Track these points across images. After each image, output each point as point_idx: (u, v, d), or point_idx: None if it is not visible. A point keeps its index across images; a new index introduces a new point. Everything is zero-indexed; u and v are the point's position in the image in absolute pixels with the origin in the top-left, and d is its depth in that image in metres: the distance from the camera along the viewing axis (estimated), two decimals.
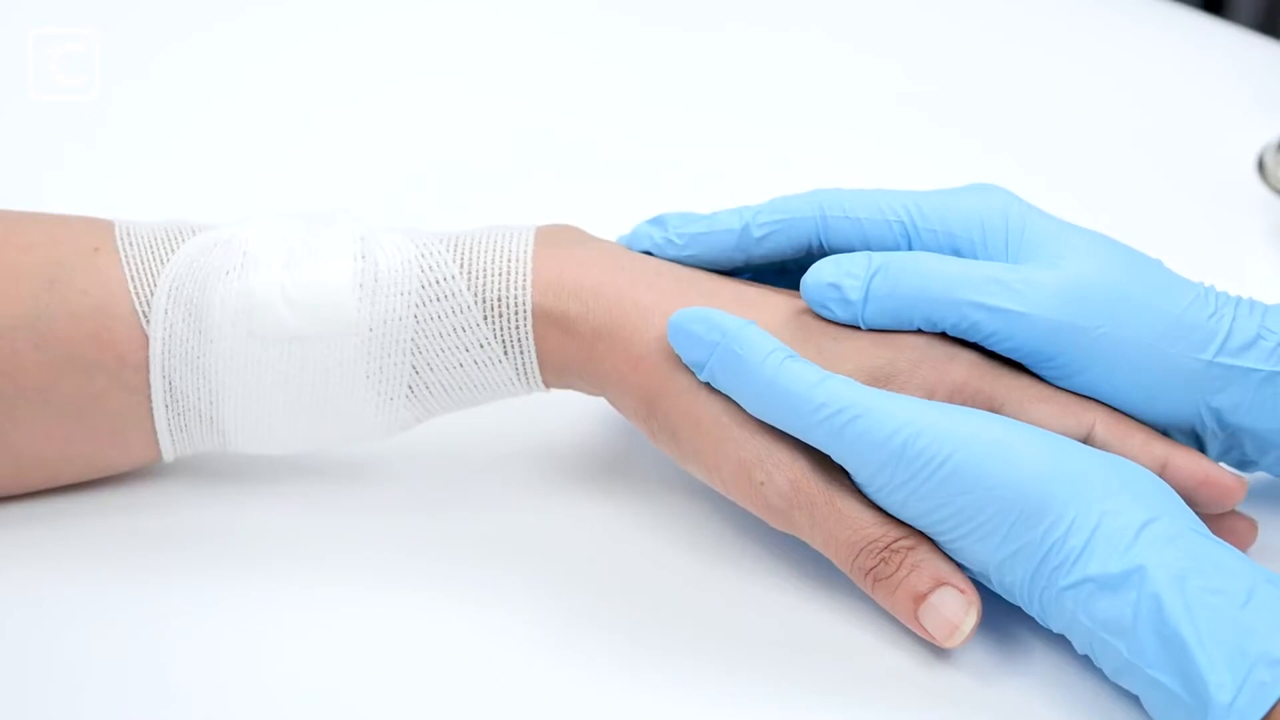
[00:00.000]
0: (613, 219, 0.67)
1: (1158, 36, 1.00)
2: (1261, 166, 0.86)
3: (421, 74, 0.94)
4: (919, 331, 0.62)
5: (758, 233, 0.64)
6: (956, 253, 0.62)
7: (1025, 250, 0.62)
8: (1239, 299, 0.62)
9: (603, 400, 0.66)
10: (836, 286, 0.62)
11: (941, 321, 0.61)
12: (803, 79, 0.95)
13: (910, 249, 0.63)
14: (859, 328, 0.62)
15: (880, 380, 0.61)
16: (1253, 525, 0.63)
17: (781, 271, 0.67)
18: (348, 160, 0.87)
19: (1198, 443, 0.63)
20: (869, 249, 0.63)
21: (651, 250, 0.65)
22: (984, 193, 0.64)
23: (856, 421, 0.58)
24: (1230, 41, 1.00)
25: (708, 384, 0.61)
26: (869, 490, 0.60)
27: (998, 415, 0.60)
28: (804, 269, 0.63)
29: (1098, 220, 0.66)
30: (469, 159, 0.87)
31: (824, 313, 0.62)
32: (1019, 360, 0.62)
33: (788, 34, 0.98)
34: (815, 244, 0.64)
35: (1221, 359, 0.61)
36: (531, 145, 0.88)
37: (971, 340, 0.61)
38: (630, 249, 0.65)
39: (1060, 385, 0.62)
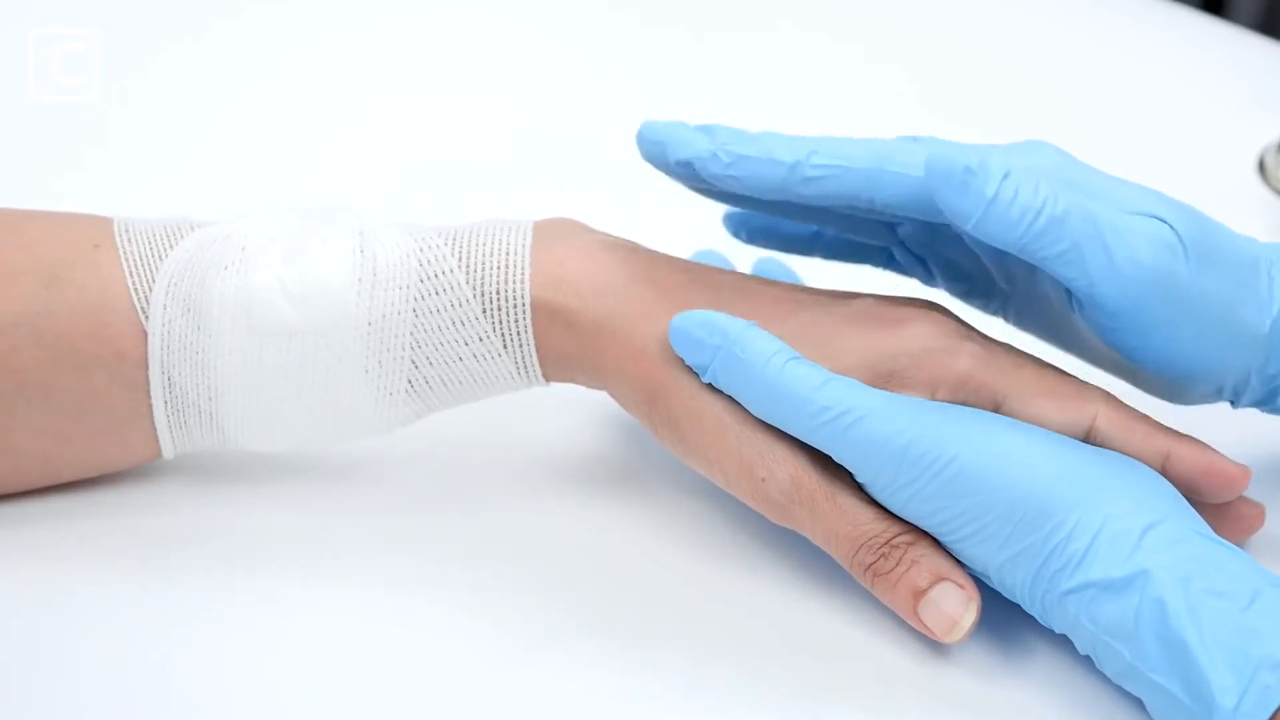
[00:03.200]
0: (612, 220, 0.67)
1: (1158, 36, 1.00)
2: (1262, 167, 0.86)
3: (421, 74, 0.94)
4: (922, 324, 0.61)
5: (809, 173, 0.61)
6: None
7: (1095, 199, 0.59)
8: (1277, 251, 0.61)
9: (602, 399, 0.66)
10: (973, 173, 0.57)
11: (1047, 249, 0.57)
12: (803, 80, 0.95)
13: None
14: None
15: (883, 375, 0.61)
16: (1259, 510, 0.62)
17: (818, 212, 0.65)
18: (347, 160, 0.87)
19: (1231, 394, 0.62)
20: (925, 208, 0.61)
21: (693, 161, 0.62)
22: (1040, 150, 0.61)
23: (859, 424, 0.58)
24: (1230, 41, 1.00)
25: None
26: (872, 491, 0.59)
27: (1001, 416, 0.60)
28: (842, 215, 0.62)
29: None
30: (468, 159, 0.87)
31: (953, 193, 0.57)
32: (1108, 318, 0.59)
33: (788, 35, 0.98)
34: (866, 196, 0.61)
35: None
36: (530, 146, 0.88)
37: (1067, 284, 0.58)
38: (668, 152, 0.62)
39: (1129, 343, 0.60)
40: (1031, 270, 0.63)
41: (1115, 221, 0.58)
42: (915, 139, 0.62)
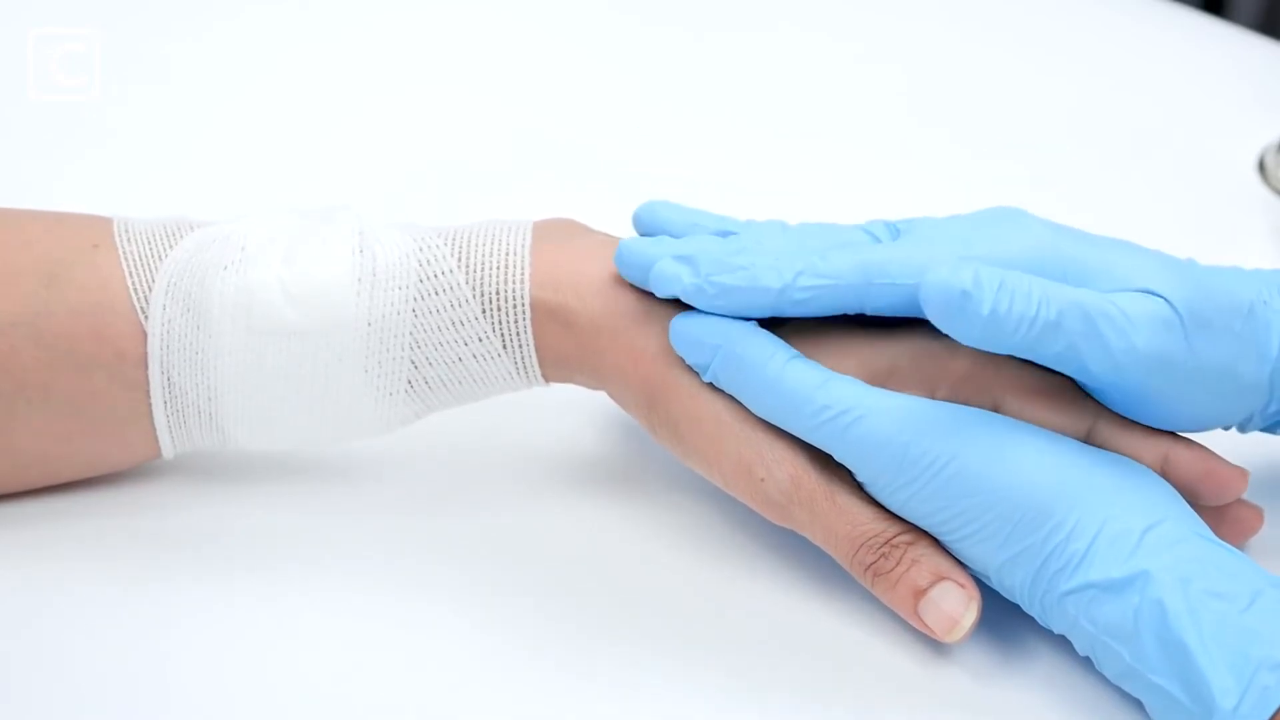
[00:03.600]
0: (612, 220, 0.67)
1: (1158, 36, 1.00)
2: (1262, 167, 0.86)
3: (420, 74, 0.94)
4: (921, 327, 0.61)
5: (797, 295, 0.60)
6: None
7: (1086, 281, 0.59)
8: (1276, 279, 0.61)
9: (602, 400, 0.67)
10: (969, 296, 0.56)
11: (1044, 351, 0.58)
12: (803, 81, 0.95)
13: None
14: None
15: (881, 376, 0.61)
16: (1258, 513, 0.62)
17: None
18: (347, 160, 0.87)
19: (1237, 428, 0.62)
20: (916, 311, 0.60)
21: (680, 296, 0.60)
22: (1024, 227, 0.61)
23: (859, 423, 0.58)
24: (1230, 41, 1.00)
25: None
26: (872, 490, 0.60)
27: (1001, 416, 0.60)
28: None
29: (1098, 221, 0.66)
30: (468, 159, 0.87)
31: (951, 318, 0.56)
32: (1109, 396, 0.60)
33: (788, 36, 0.98)
34: (855, 307, 0.60)
35: None
36: (530, 146, 0.88)
37: (1066, 374, 0.59)
38: (651, 285, 0.61)
39: (1132, 413, 0.60)
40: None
41: (1109, 312, 0.57)
42: (895, 230, 0.62)
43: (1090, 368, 0.58)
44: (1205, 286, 0.59)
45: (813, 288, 0.60)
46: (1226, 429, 0.62)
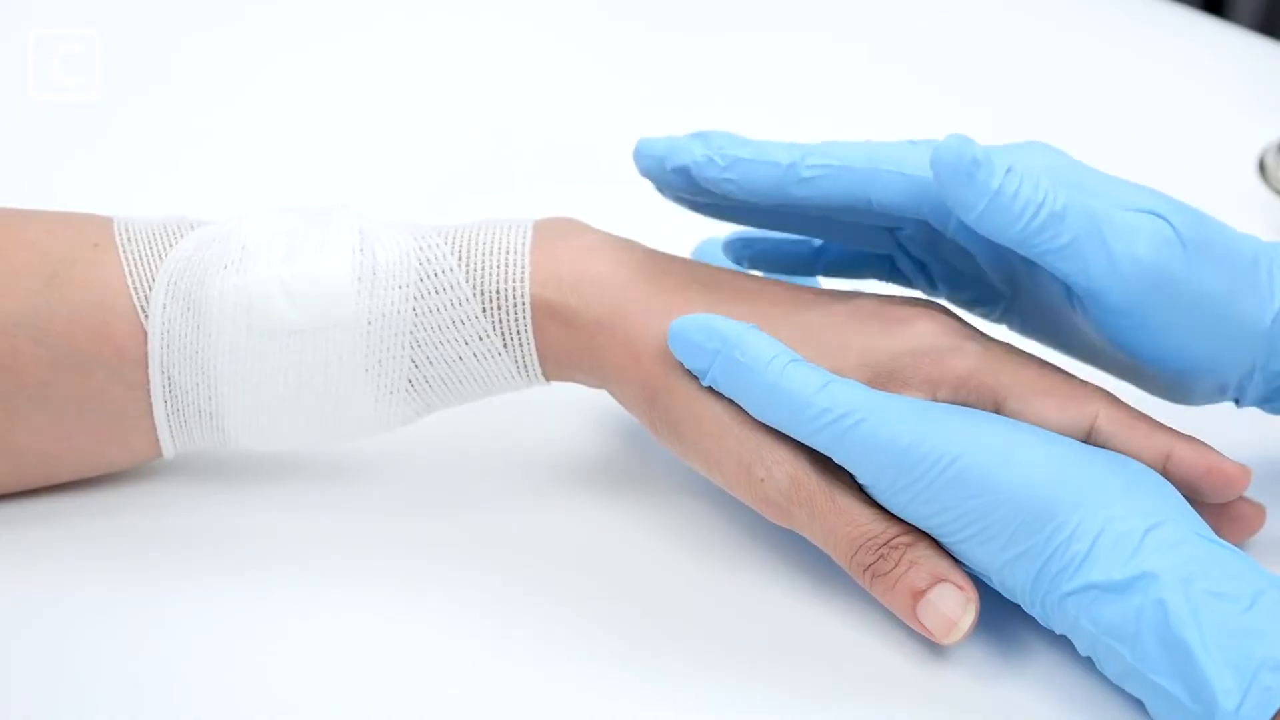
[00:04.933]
0: (612, 220, 0.67)
1: (1158, 36, 1.00)
2: (1262, 167, 0.86)
3: (421, 74, 0.94)
4: (921, 327, 0.61)
5: (805, 173, 0.61)
6: None
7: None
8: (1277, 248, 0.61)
9: (603, 399, 0.66)
10: (979, 164, 0.57)
11: (1045, 245, 0.57)
12: (804, 81, 0.95)
13: None
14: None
15: (883, 375, 0.61)
16: (1260, 511, 0.62)
17: (816, 221, 0.65)
18: (347, 160, 0.87)
19: (1235, 391, 0.62)
20: (922, 208, 0.61)
21: (689, 166, 0.62)
22: (1040, 150, 0.61)
23: (860, 426, 0.58)
24: (1230, 42, 1.00)
25: None
26: (873, 492, 0.59)
27: (1002, 417, 0.60)
28: (840, 223, 0.62)
29: None
30: (467, 161, 0.87)
31: (959, 184, 0.57)
32: (1106, 314, 0.59)
33: (789, 36, 0.98)
34: (862, 196, 0.61)
35: None
36: (531, 146, 0.88)
37: (1066, 279, 0.59)
38: (664, 161, 0.63)
39: (1130, 339, 0.60)
40: (1031, 271, 0.63)
41: (1114, 218, 0.58)
42: (912, 143, 0.62)
43: (1090, 268, 0.58)
44: (1209, 224, 0.60)
45: (821, 166, 0.61)
46: (1227, 395, 0.62)
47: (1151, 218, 0.59)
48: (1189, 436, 0.61)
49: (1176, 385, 0.62)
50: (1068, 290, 0.60)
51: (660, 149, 0.63)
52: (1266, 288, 0.60)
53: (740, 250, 0.69)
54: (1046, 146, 0.62)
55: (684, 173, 0.63)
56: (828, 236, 0.67)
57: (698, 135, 0.63)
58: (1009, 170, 0.57)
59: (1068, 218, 0.57)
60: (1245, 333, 0.60)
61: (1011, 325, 0.66)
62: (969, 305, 0.66)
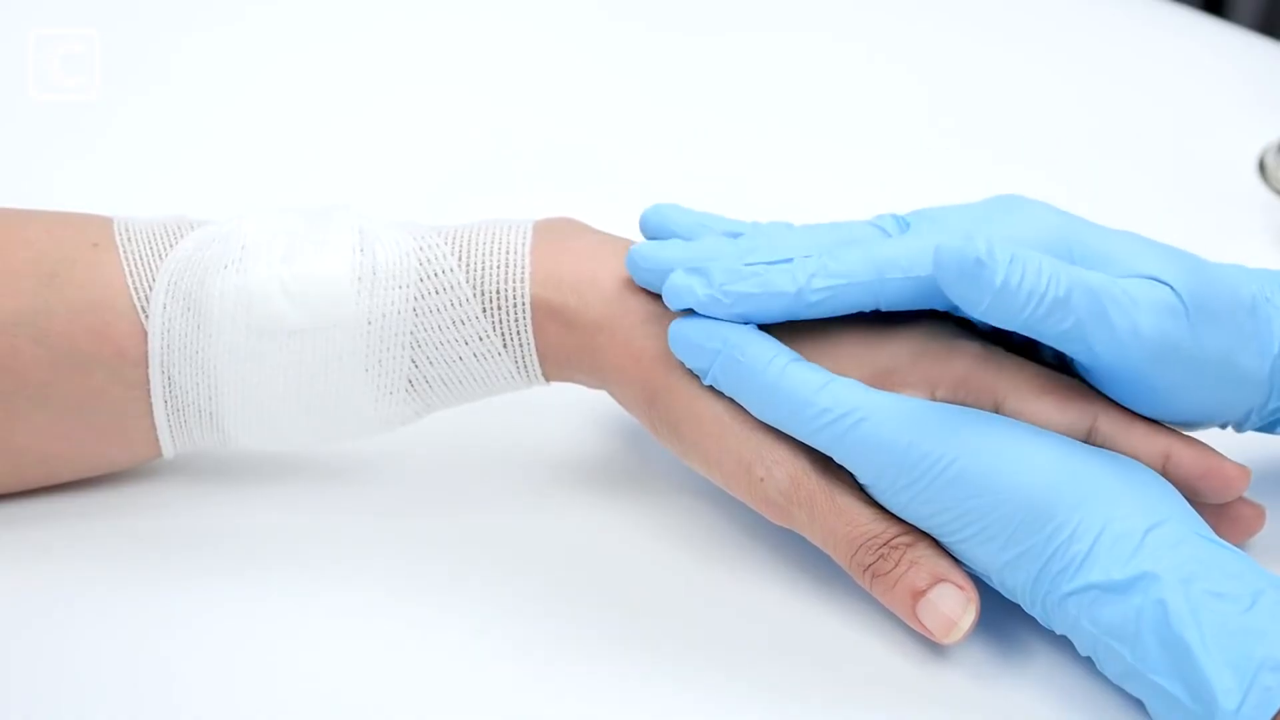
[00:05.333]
0: (612, 220, 0.67)
1: (1158, 36, 1.00)
2: (1262, 167, 0.86)
3: (421, 75, 0.94)
4: (921, 327, 0.61)
5: (813, 298, 0.60)
6: None
7: (1093, 267, 0.59)
8: (1276, 278, 0.61)
9: (603, 399, 0.66)
10: (982, 264, 0.56)
11: (1051, 329, 0.57)
12: (804, 82, 0.95)
13: None
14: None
15: (882, 376, 0.61)
16: (1259, 512, 0.62)
17: None
18: (347, 160, 0.87)
19: (1234, 426, 0.62)
20: (932, 301, 0.60)
21: (695, 309, 0.61)
22: (1035, 214, 0.61)
23: (860, 426, 0.58)
24: (1230, 42, 1.00)
25: None
26: (873, 492, 0.59)
27: (1002, 417, 0.60)
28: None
29: (1098, 221, 0.66)
30: (468, 161, 0.87)
31: (963, 285, 0.56)
32: (1111, 383, 0.60)
33: (790, 36, 0.98)
34: (871, 304, 0.60)
35: None
36: (531, 146, 0.88)
37: (1071, 356, 0.59)
38: (665, 298, 0.61)
39: (1132, 401, 0.60)
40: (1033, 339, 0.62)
41: (1116, 293, 0.58)
42: (904, 223, 0.62)
43: (1095, 348, 0.58)
44: (1209, 278, 0.59)
45: (828, 288, 0.60)
46: (1224, 427, 0.62)
47: (1154, 284, 0.58)
48: (1188, 437, 0.61)
49: (1178, 426, 0.62)
50: (1071, 358, 0.61)
51: (657, 267, 0.61)
52: (1266, 334, 0.60)
53: None
54: (1041, 206, 0.62)
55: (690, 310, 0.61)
56: None
57: (694, 271, 0.61)
58: (1011, 261, 0.56)
59: (1071, 301, 0.57)
60: (1246, 382, 0.60)
61: None
62: None
